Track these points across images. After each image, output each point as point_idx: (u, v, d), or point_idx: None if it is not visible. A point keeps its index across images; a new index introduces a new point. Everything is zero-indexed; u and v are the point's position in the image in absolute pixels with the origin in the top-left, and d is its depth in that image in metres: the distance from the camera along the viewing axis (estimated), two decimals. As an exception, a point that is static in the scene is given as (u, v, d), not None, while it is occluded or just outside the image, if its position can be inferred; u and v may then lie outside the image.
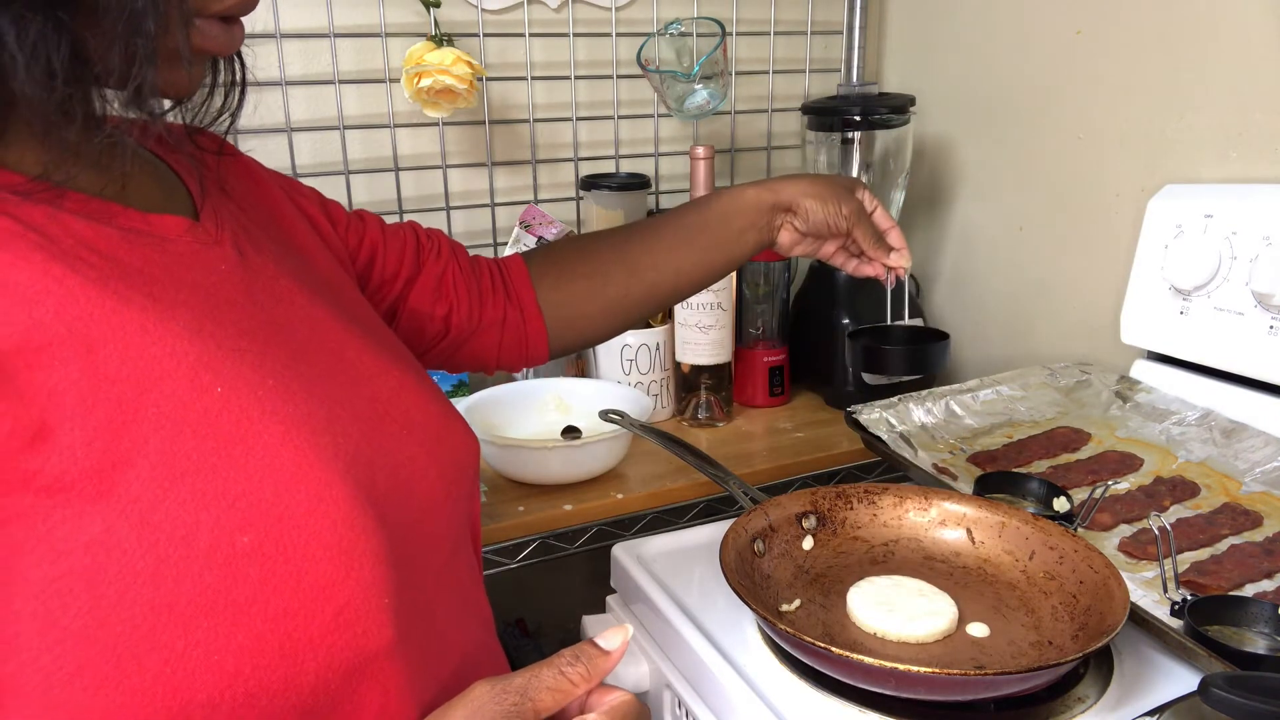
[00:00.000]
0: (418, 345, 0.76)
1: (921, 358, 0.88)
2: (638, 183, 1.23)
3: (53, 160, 0.42)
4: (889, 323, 0.91)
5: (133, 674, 0.37)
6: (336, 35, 1.13)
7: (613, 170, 1.31)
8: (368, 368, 0.53)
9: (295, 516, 0.41)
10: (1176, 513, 0.80)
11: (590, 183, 1.22)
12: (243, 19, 0.47)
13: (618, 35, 1.27)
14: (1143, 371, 1.01)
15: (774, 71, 1.38)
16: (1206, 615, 0.66)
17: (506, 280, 0.80)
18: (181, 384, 0.41)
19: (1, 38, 0.37)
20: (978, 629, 0.68)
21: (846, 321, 1.20)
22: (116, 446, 0.38)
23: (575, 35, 1.24)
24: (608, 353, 1.17)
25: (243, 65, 0.51)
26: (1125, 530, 0.79)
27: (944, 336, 0.90)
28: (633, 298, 0.81)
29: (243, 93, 0.49)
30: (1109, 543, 0.77)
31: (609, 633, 0.48)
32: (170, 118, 0.48)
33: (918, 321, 1.19)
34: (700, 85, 1.14)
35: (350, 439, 0.46)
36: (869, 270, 0.84)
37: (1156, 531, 0.72)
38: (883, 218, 0.83)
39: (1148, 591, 0.70)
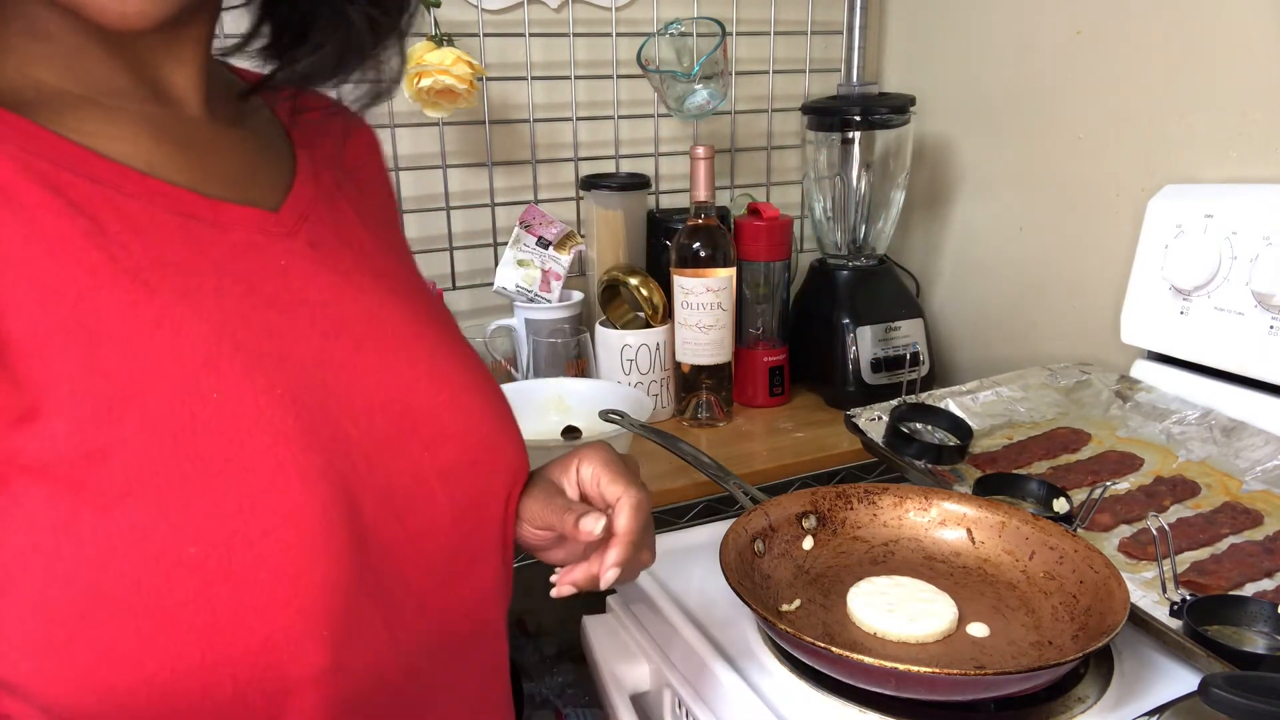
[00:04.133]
0: None
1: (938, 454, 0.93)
2: (638, 183, 1.22)
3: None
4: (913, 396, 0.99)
5: (66, 651, 0.37)
6: (336, 35, 1.12)
7: (613, 170, 1.30)
8: (421, 375, 0.51)
9: (250, 536, 0.40)
10: (1177, 512, 0.80)
11: (590, 183, 1.22)
12: None
13: (618, 35, 1.27)
14: (1143, 371, 1.01)
15: (774, 71, 1.38)
16: (1206, 615, 0.66)
17: None
18: (177, 386, 0.40)
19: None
20: (978, 629, 0.68)
21: (846, 321, 1.20)
22: (96, 440, 0.38)
23: (575, 35, 1.24)
24: (608, 353, 1.17)
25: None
26: (1125, 530, 0.78)
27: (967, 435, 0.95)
28: None
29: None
30: (1109, 543, 0.77)
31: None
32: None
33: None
34: (700, 85, 1.14)
35: (349, 458, 0.45)
36: None
37: (1155, 532, 0.72)
38: None
39: (1147, 592, 0.70)
